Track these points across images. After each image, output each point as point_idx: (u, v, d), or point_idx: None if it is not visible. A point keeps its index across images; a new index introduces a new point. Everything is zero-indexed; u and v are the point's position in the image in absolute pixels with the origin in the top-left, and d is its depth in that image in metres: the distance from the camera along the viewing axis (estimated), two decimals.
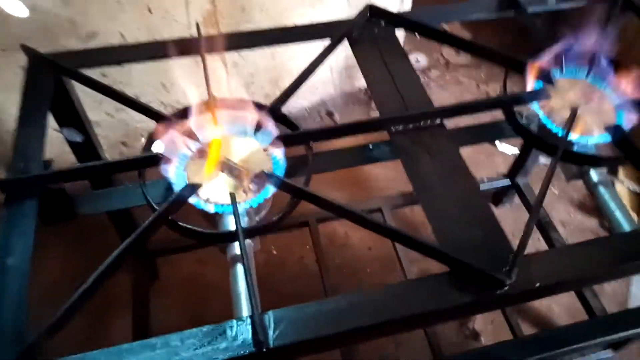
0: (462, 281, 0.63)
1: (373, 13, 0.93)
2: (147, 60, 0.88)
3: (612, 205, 0.79)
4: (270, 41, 0.95)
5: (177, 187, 0.70)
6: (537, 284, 0.63)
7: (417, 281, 0.64)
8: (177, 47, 0.84)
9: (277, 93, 0.80)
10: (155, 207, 0.67)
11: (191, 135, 0.75)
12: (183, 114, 0.77)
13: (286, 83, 0.81)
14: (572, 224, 1.66)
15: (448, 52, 2.15)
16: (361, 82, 1.86)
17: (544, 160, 1.43)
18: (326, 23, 0.96)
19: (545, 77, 0.84)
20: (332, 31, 0.92)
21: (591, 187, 0.82)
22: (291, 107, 1.89)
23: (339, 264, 1.55)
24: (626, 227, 0.76)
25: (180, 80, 0.76)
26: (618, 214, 0.77)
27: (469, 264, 0.62)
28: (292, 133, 0.74)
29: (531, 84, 0.84)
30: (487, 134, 0.95)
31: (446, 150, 0.76)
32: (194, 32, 1.43)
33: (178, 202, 0.66)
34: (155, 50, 0.88)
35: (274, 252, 1.57)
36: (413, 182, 0.73)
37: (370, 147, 0.87)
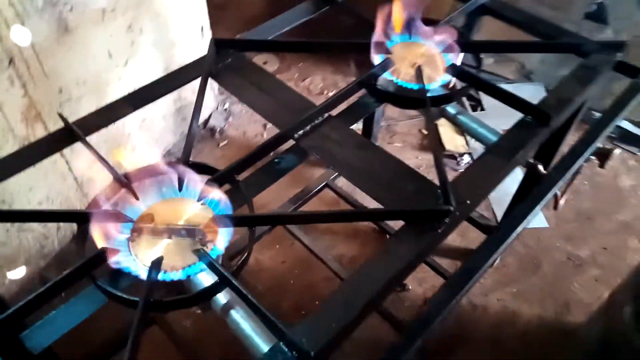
0: (419, 225, 0.73)
1: (219, 45, 0.98)
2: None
3: (475, 126, 0.98)
4: (134, 107, 0.94)
5: (139, 271, 0.67)
6: (469, 201, 0.77)
7: (391, 241, 0.73)
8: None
9: None
10: (134, 298, 0.64)
11: (119, 218, 0.73)
12: (97, 203, 0.74)
13: None
14: (423, 164, 1.93)
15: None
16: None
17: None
18: (177, 70, 0.99)
19: (383, 49, 1.00)
20: (190, 74, 0.95)
21: (452, 119, 1.00)
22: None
23: (266, 289, 1.57)
24: (493, 138, 0.95)
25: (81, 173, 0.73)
26: (482, 130, 0.96)
27: (419, 210, 0.74)
28: (221, 172, 0.77)
29: (377, 59, 0.99)
30: (362, 110, 1.07)
31: (345, 133, 0.87)
32: (17, 133, 1.32)
33: (151, 283, 0.65)
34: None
35: None
36: (337, 169, 0.82)
37: (277, 160, 0.93)
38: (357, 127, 2.00)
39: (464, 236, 1.70)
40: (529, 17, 1.12)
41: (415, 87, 0.96)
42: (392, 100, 0.98)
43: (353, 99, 1.03)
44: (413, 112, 2.07)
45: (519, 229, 0.80)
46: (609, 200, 1.83)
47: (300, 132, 0.86)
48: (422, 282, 1.58)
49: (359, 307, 0.65)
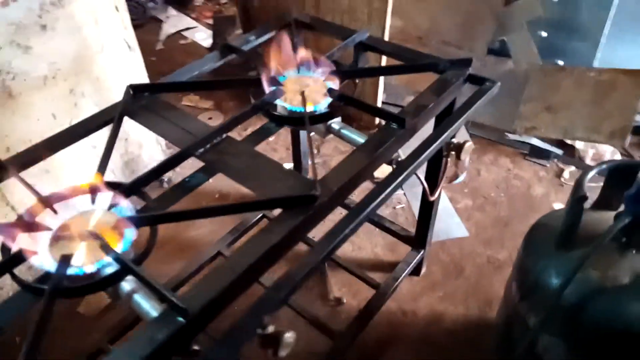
0: (293, 209, 0.89)
1: (135, 90, 1.17)
2: None
3: (354, 136, 1.16)
4: (54, 149, 1.09)
5: (52, 267, 0.81)
6: (335, 188, 0.94)
7: (270, 223, 0.88)
8: None
9: None
10: (43, 287, 0.77)
11: (38, 228, 0.87)
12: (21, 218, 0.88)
13: None
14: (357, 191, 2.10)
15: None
16: (142, 170, 2.04)
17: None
18: (96, 114, 1.16)
19: (275, 82, 1.20)
20: (108, 115, 1.13)
21: (336, 133, 1.19)
22: None
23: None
24: (361, 140, 1.13)
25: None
26: (354, 135, 1.15)
27: (291, 196, 0.90)
28: (127, 185, 0.92)
29: (268, 89, 1.18)
30: (265, 132, 1.25)
31: (240, 148, 1.04)
32: None
33: (61, 277, 0.78)
34: None
35: None
36: (233, 177, 0.98)
37: (187, 179, 1.10)
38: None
39: (393, 251, 1.85)
40: (398, 48, 1.34)
41: (301, 109, 1.15)
42: (284, 121, 1.16)
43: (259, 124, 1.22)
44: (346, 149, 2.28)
45: (373, 205, 0.96)
46: (522, 208, 2.03)
47: (201, 150, 1.03)
48: (356, 295, 1.71)
49: (238, 273, 0.79)
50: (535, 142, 2.30)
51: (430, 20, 2.60)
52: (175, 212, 0.88)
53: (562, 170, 2.18)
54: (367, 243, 1.90)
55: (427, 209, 1.56)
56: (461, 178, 2.16)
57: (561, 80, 2.32)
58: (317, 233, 1.95)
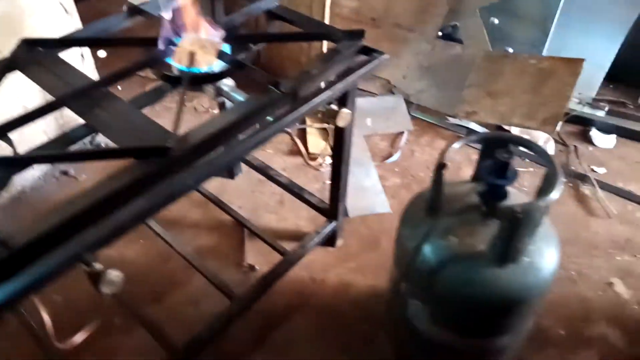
0: (145, 160, 0.93)
1: (29, 44, 1.19)
2: None
3: (239, 98, 1.19)
4: None
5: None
6: (193, 142, 0.97)
7: (120, 170, 0.91)
8: None
9: None
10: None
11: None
12: None
13: None
14: (288, 167, 2.14)
15: None
16: None
17: None
18: None
19: (170, 42, 1.22)
20: None
21: (226, 95, 1.22)
22: (30, 175, 2.02)
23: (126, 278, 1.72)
24: (240, 97, 1.16)
25: None
26: (237, 96, 1.18)
27: (143, 147, 0.94)
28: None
29: (162, 47, 1.21)
30: (159, 93, 1.28)
31: (116, 104, 1.07)
32: None
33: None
34: None
35: None
36: (99, 128, 1.02)
37: (69, 132, 1.13)
38: None
39: (315, 223, 1.89)
40: (303, 18, 1.37)
41: (196, 70, 1.18)
42: (170, 80, 1.19)
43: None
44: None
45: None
46: None
47: (76, 101, 1.06)
48: (270, 263, 1.74)
49: (63, 217, 0.82)
50: (474, 126, 2.33)
51: (386, 2, 2.61)
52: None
53: None
54: (291, 215, 1.94)
55: (337, 182, 1.60)
56: (394, 157, 2.20)
57: (505, 67, 2.35)
58: (244, 203, 1.99)
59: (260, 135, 1.03)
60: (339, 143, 1.47)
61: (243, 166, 2.07)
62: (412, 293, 1.18)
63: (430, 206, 1.14)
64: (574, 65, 2.18)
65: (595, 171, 2.14)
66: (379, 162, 2.18)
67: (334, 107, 1.20)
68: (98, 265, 0.83)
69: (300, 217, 1.93)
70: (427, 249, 1.11)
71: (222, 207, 1.82)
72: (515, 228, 0.99)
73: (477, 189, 1.05)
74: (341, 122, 1.21)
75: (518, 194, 1.20)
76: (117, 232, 0.85)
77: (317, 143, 2.24)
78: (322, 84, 1.19)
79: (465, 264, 1.08)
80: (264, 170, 1.91)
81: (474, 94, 2.37)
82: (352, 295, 1.68)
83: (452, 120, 2.38)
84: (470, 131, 2.30)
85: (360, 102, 2.46)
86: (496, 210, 1.09)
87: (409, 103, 2.47)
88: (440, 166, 1.06)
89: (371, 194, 2.03)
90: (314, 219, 1.91)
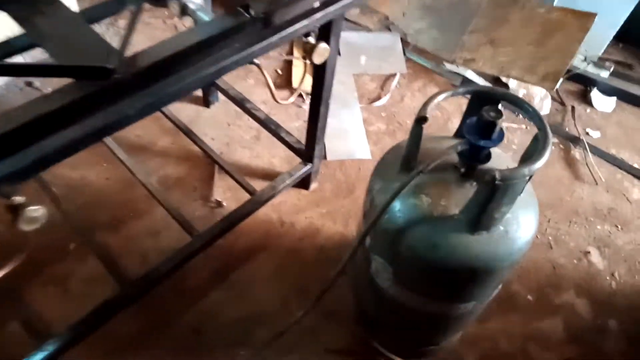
0: (85, 81, 0.81)
1: None
2: None
3: (205, 19, 1.05)
4: None
5: None
6: (142, 65, 0.85)
7: (54, 91, 0.80)
8: None
9: None
10: None
11: None
12: None
13: None
14: (269, 100, 2.02)
15: None
16: None
17: None
18: None
19: None
20: None
21: (192, 15, 1.08)
22: None
23: (84, 202, 1.63)
24: (207, 17, 1.03)
25: None
26: (203, 15, 1.04)
27: (84, 66, 0.81)
28: None
29: None
30: (116, 6, 1.14)
31: (62, 13, 0.93)
32: None
33: None
34: None
35: None
36: (34, 35, 0.89)
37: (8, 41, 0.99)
38: None
39: (290, 163, 1.80)
40: None
41: None
42: None
43: None
44: (273, 54, 2.16)
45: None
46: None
47: (14, 3, 0.92)
48: (238, 201, 1.66)
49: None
50: (470, 75, 2.20)
51: None
52: None
53: None
54: (266, 152, 1.84)
55: (314, 124, 1.49)
56: (382, 101, 2.07)
57: (511, 14, 2.18)
58: (218, 134, 1.88)
59: (219, 65, 0.91)
60: (318, 82, 1.35)
61: (220, 95, 1.94)
62: (377, 249, 1.11)
63: (405, 160, 1.05)
64: (585, 19, 2.02)
65: (589, 134, 2.04)
66: (365, 104, 2.05)
67: (311, 39, 1.07)
68: (18, 199, 0.73)
69: (275, 155, 1.83)
70: (396, 206, 1.02)
71: (192, 138, 1.71)
72: (493, 195, 0.90)
73: (458, 147, 0.95)
74: (317, 59, 1.08)
75: (502, 156, 1.11)
76: (44, 161, 0.74)
77: (307, 80, 2.10)
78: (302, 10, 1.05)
79: (434, 226, 1.00)
80: (241, 103, 1.79)
81: (475, 40, 2.21)
82: (320, 241, 1.62)
83: (448, 66, 2.24)
84: (466, 80, 2.17)
85: (353, 37, 2.29)
86: (475, 173, 1.00)
87: (405, 43, 2.30)
88: (420, 119, 0.95)
89: (353, 138, 1.92)
90: (290, 158, 1.81)
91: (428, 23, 2.36)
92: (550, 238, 1.69)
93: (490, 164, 1.00)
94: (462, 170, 1.01)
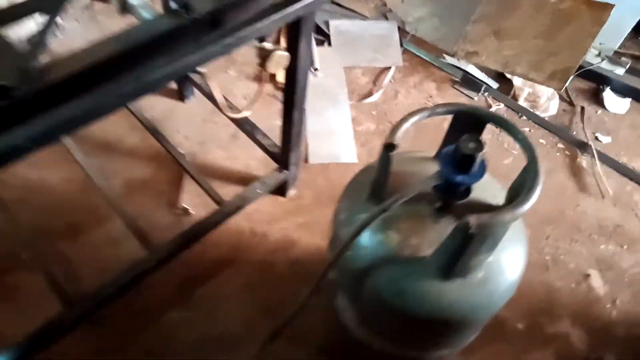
0: None
1: None
2: None
3: (146, 16, 0.90)
4: None
5: None
6: (51, 79, 0.71)
7: None
8: None
9: None
10: None
11: None
12: None
13: None
14: (251, 93, 1.86)
15: None
16: None
17: None
18: None
19: None
20: None
21: (130, 8, 0.93)
22: None
23: (47, 205, 1.52)
24: (149, 16, 0.88)
25: None
26: (145, 13, 0.89)
27: None
28: None
29: None
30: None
31: None
32: None
33: None
34: None
35: None
36: None
37: None
38: None
39: (268, 166, 1.65)
40: None
41: None
42: None
43: None
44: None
45: None
46: (428, 142, 1.77)
47: None
48: (208, 208, 1.53)
49: None
50: (472, 69, 2.02)
51: None
52: None
53: (488, 108, 1.92)
54: (243, 154, 1.70)
55: (288, 130, 1.34)
56: (374, 97, 1.91)
57: (519, 2, 1.98)
58: (192, 132, 1.73)
59: (144, 80, 0.76)
60: (289, 86, 1.19)
61: (196, 89, 1.79)
62: (341, 286, 0.98)
63: (373, 189, 0.90)
64: (601, 11, 1.83)
65: (599, 140, 1.87)
66: (355, 101, 1.89)
67: (267, 45, 0.91)
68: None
69: (253, 157, 1.69)
70: (361, 241, 0.88)
71: (158, 139, 1.56)
72: (468, 244, 0.75)
73: (431, 182, 0.80)
74: (274, 68, 0.93)
75: (489, 185, 0.96)
76: None
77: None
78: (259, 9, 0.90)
79: (402, 269, 0.86)
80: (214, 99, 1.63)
81: (479, 31, 2.03)
82: (295, 255, 1.49)
83: (448, 59, 2.06)
84: (467, 76, 1.99)
85: (346, 25, 2.12)
86: (451, 210, 0.86)
87: (403, 33, 2.12)
88: (388, 147, 0.80)
89: (339, 139, 1.77)
90: (268, 161, 1.66)
91: (429, 10, 2.17)
92: (547, 258, 1.54)
93: (474, 195, 0.85)
94: (438, 204, 0.86)
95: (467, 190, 0.83)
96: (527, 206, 0.75)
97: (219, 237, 1.48)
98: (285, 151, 1.42)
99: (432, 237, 0.86)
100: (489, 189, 0.94)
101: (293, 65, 1.09)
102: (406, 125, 0.82)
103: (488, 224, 0.72)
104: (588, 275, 1.52)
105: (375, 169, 0.90)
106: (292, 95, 1.21)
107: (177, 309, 1.36)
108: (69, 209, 1.52)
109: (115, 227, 1.48)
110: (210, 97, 1.65)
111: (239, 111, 1.26)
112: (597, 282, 1.51)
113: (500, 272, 0.88)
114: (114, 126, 1.70)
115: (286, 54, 0.93)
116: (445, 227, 0.86)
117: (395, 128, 0.81)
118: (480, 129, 0.87)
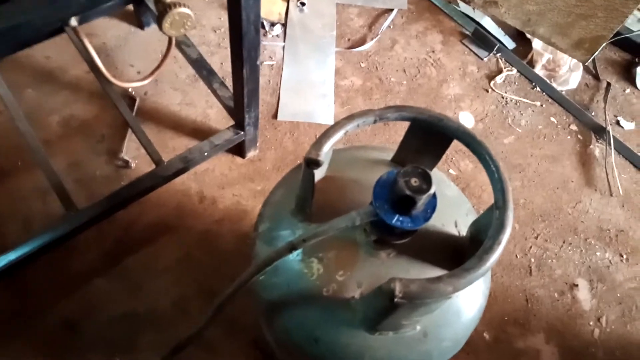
0: None
1: None
2: None
3: None
4: None
5: None
6: None
7: None
8: None
9: None
10: None
11: None
12: None
13: None
14: (224, 26, 1.60)
15: None
16: None
17: None
18: None
19: None
20: None
21: None
22: None
23: None
24: None
25: None
26: None
27: None
28: None
29: None
30: None
31: None
32: None
33: None
34: None
35: None
36: None
37: None
38: None
39: (228, 118, 1.43)
40: None
41: None
42: None
43: None
44: None
45: None
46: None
47: None
48: (151, 164, 1.34)
49: None
50: (487, 23, 1.72)
51: None
52: None
53: (498, 72, 1.64)
54: (202, 100, 1.47)
55: (239, 89, 1.11)
56: (366, 46, 1.63)
57: None
58: (146, 66, 1.49)
59: None
60: (235, 36, 0.95)
61: None
62: (258, 310, 0.80)
63: (297, 204, 0.70)
64: None
65: (620, 125, 1.60)
66: (343, 48, 1.62)
67: None
68: None
69: (213, 105, 1.47)
70: (275, 271, 0.69)
71: (99, 76, 1.32)
72: (393, 309, 0.56)
73: (358, 218, 0.59)
74: (169, 29, 0.69)
75: (453, 203, 0.74)
76: None
77: (271, 3, 1.65)
78: None
79: (320, 311, 0.67)
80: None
81: None
82: (244, 227, 1.31)
83: (462, 6, 1.75)
84: (480, 31, 1.69)
85: None
86: (390, 245, 0.66)
87: None
88: (310, 162, 0.59)
89: (316, 93, 1.52)
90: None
91: None
92: (532, 260, 1.35)
93: (431, 222, 0.64)
94: (373, 237, 0.66)
95: (411, 231, 0.62)
96: (484, 269, 0.55)
97: (161, 197, 1.31)
98: (238, 112, 1.20)
99: (364, 274, 0.67)
100: (452, 208, 0.73)
101: (235, 9, 0.84)
102: (338, 135, 0.60)
103: (418, 295, 0.52)
104: (575, 286, 1.33)
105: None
106: (239, 49, 0.97)
107: (104, 277, 1.21)
108: None
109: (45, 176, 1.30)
110: None
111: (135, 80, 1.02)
112: (584, 294, 1.32)
113: (445, 323, 0.69)
114: (58, 51, 1.47)
115: (187, 11, 0.68)
116: (381, 265, 0.67)
117: (322, 139, 0.59)
118: (445, 143, 0.64)
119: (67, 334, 1.16)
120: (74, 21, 1.15)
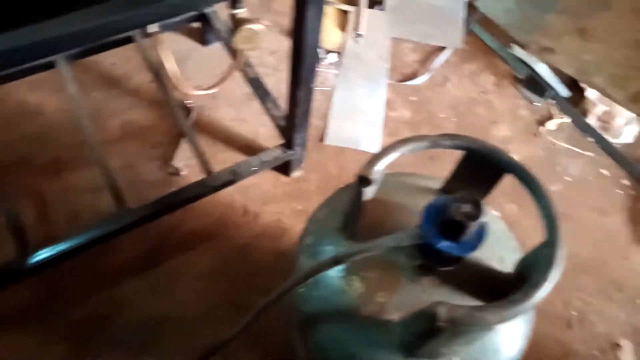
0: None
1: None
2: None
3: None
4: None
5: None
6: None
7: None
8: None
9: None
10: None
11: None
12: None
13: None
14: (281, 50, 1.66)
15: None
16: None
17: None
18: None
19: None
20: None
21: None
22: None
23: (33, 133, 1.42)
24: None
25: None
26: None
27: None
28: None
29: None
30: None
31: None
32: None
33: None
34: None
35: None
36: None
37: None
38: None
39: (278, 137, 1.47)
40: None
41: None
42: None
43: None
44: None
45: None
46: None
47: None
48: (200, 173, 1.38)
49: None
50: (542, 69, 1.71)
51: None
52: None
53: (549, 118, 1.63)
54: (254, 118, 1.51)
55: (292, 109, 1.14)
56: (419, 80, 1.66)
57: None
58: (206, 82, 1.54)
59: None
60: (296, 59, 0.99)
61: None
62: (294, 325, 0.81)
63: (344, 221, 0.71)
64: None
65: None
66: (395, 81, 1.65)
67: (239, 13, 0.71)
68: None
69: (264, 124, 1.50)
70: (316, 281, 0.70)
71: (161, 86, 1.39)
72: (435, 334, 0.56)
73: (404, 240, 0.60)
74: (241, 42, 0.73)
75: (500, 239, 0.74)
76: None
77: (329, 32, 1.71)
78: None
79: (358, 330, 0.68)
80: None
81: (561, 24, 1.71)
82: (283, 245, 1.32)
83: (518, 51, 1.75)
84: (533, 76, 1.69)
85: None
86: (434, 272, 0.66)
87: (471, 9, 1.82)
88: (362, 180, 0.60)
89: (365, 121, 1.55)
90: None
91: None
92: (573, 313, 1.30)
93: (477, 254, 0.64)
94: (418, 262, 0.66)
95: (456, 259, 0.62)
96: (533, 302, 0.54)
97: (205, 207, 1.34)
98: (289, 132, 1.23)
99: (404, 299, 0.67)
100: (499, 244, 0.72)
101: (297, 37, 0.88)
102: (392, 156, 0.62)
103: (463, 321, 0.52)
104: (618, 345, 1.27)
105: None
106: (297, 72, 1.01)
107: (138, 278, 1.24)
108: (59, 142, 1.41)
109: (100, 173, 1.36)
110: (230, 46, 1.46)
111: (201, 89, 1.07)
112: (627, 356, 1.26)
113: (484, 357, 0.68)
114: (124, 59, 1.56)
115: (260, 27, 0.72)
116: (423, 292, 0.66)
117: (376, 158, 0.61)
118: (496, 176, 0.65)
119: (94, 328, 1.18)
120: (154, 27, 1.21)
